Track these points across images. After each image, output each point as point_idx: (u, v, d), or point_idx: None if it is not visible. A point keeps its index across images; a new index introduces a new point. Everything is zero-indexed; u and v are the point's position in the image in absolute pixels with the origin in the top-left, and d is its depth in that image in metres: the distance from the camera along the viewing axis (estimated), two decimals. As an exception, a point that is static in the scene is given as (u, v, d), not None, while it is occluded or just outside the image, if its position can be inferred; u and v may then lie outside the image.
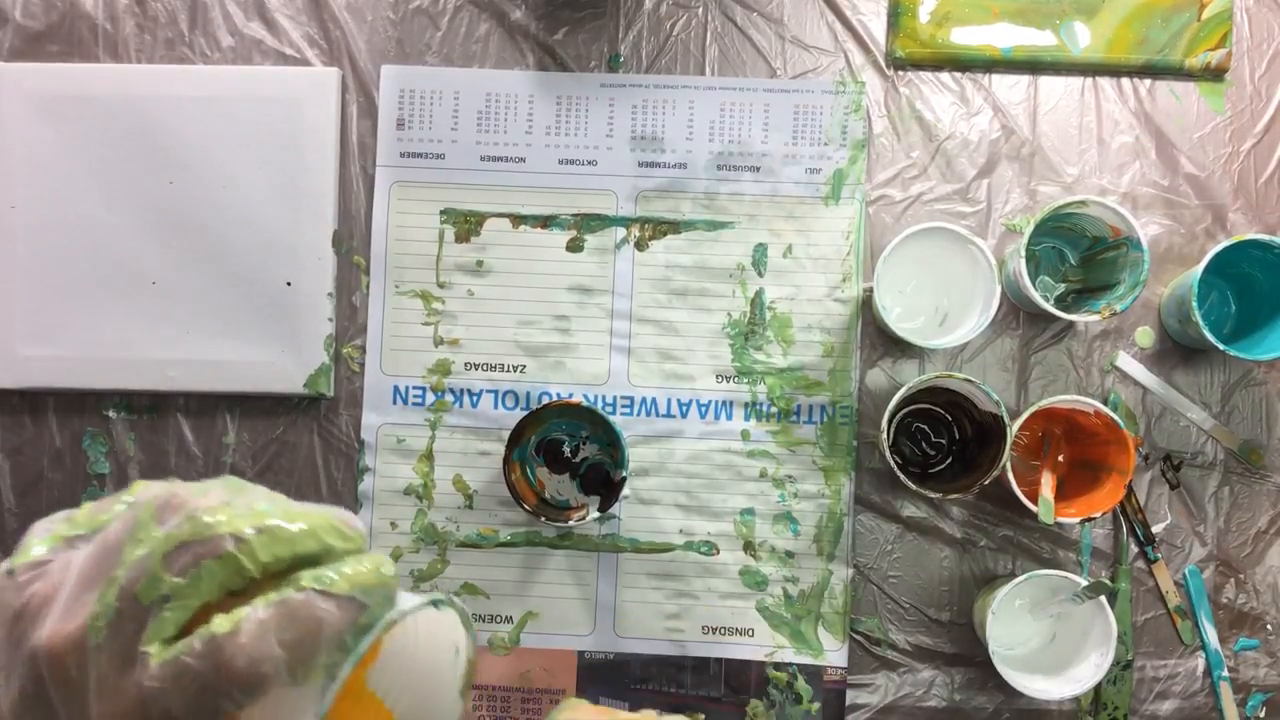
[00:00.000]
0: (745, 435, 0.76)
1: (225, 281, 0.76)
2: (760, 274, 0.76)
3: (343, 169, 0.77)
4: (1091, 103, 0.77)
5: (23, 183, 0.76)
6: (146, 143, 0.76)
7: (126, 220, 0.76)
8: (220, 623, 0.29)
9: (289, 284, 0.76)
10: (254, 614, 0.29)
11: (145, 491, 0.32)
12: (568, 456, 0.76)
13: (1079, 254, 0.75)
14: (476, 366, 0.77)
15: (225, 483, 0.33)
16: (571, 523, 0.72)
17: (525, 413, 0.72)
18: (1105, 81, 0.77)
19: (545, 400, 0.76)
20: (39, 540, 0.32)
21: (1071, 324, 0.75)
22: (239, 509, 0.31)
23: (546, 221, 0.77)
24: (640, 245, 0.77)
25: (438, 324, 0.77)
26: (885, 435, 0.70)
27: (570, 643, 0.75)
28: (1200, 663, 0.74)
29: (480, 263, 0.77)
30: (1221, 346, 0.67)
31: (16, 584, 0.31)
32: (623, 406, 0.76)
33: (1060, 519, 0.69)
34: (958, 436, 0.76)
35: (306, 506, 0.32)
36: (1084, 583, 0.67)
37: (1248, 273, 0.72)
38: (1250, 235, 0.68)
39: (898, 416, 0.75)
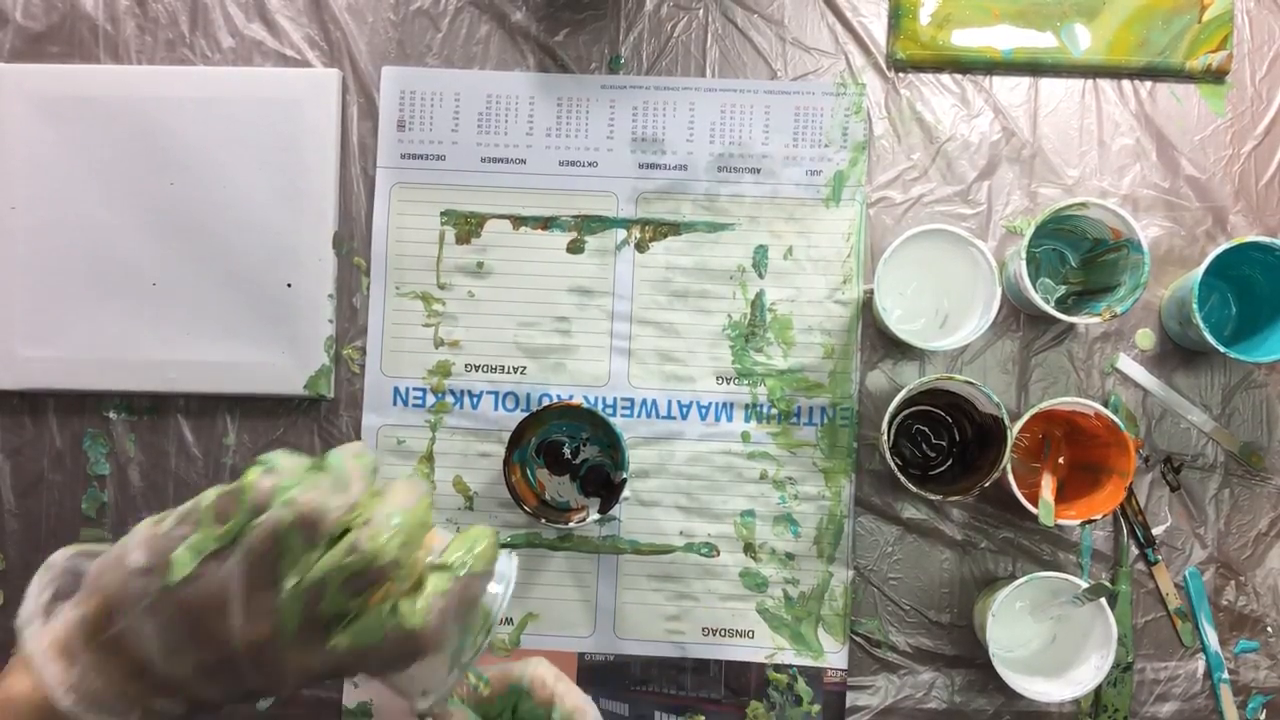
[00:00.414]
0: (745, 437, 0.76)
1: (225, 283, 0.76)
2: (761, 276, 0.76)
3: (343, 170, 0.77)
4: (1092, 105, 0.77)
5: (23, 183, 0.76)
6: (147, 144, 0.76)
7: (127, 221, 0.76)
8: (407, 609, 0.39)
9: (289, 285, 0.76)
10: (433, 601, 0.39)
11: (276, 503, 0.39)
12: (568, 458, 0.76)
13: (1079, 256, 0.75)
14: (477, 368, 0.77)
15: (334, 480, 0.40)
16: (572, 524, 0.72)
17: (525, 414, 0.72)
18: (1106, 83, 0.77)
19: (545, 402, 0.76)
20: (183, 556, 0.39)
21: (1072, 326, 0.75)
22: (378, 521, 0.39)
23: (547, 223, 0.77)
24: (641, 247, 0.77)
25: (438, 325, 0.77)
26: (885, 437, 0.70)
27: (570, 644, 0.75)
28: (1200, 665, 0.74)
29: (481, 264, 0.77)
30: (1222, 349, 0.67)
31: (184, 593, 0.38)
32: (623, 408, 0.76)
33: (1060, 521, 0.69)
34: (958, 438, 0.75)
35: (397, 490, 0.41)
36: (1084, 585, 0.67)
37: (1248, 275, 0.72)
38: (1251, 237, 0.68)
39: (898, 418, 0.75)
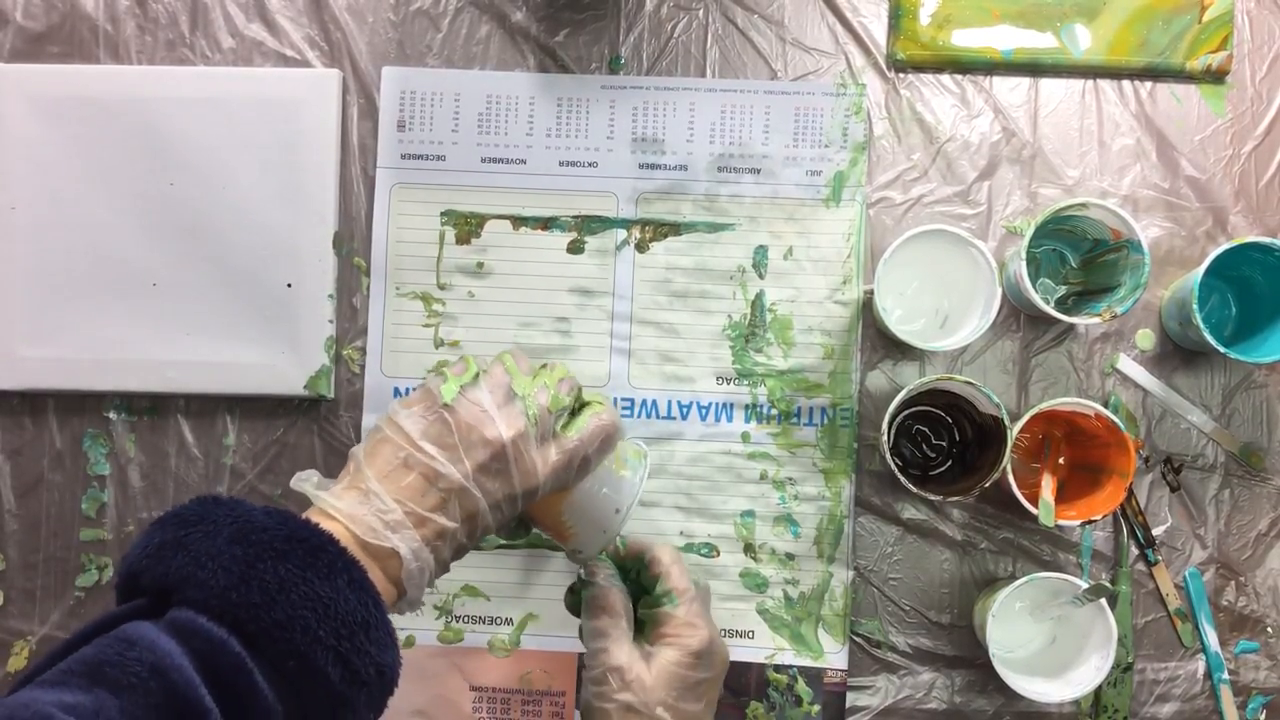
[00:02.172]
0: (745, 437, 0.76)
1: (226, 283, 0.76)
2: (761, 276, 0.76)
3: (343, 170, 0.77)
4: (1092, 105, 0.77)
5: (23, 183, 0.76)
6: (147, 144, 0.76)
7: (127, 221, 0.76)
8: (598, 410, 0.56)
9: (289, 285, 0.76)
10: (606, 409, 0.56)
11: (484, 360, 0.55)
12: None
13: (1080, 256, 0.75)
14: (477, 368, 0.77)
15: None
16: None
17: (525, 414, 0.72)
18: (1106, 84, 0.77)
19: (545, 402, 0.76)
20: (448, 387, 0.52)
21: (1072, 326, 0.75)
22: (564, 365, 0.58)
23: (547, 223, 0.77)
24: (641, 247, 0.77)
25: (438, 326, 0.77)
26: (885, 437, 0.70)
27: (571, 644, 0.75)
28: (1200, 665, 0.74)
29: (481, 264, 0.77)
30: (1222, 349, 0.67)
31: (457, 411, 0.51)
32: (623, 408, 0.76)
33: (1061, 521, 0.69)
34: (958, 439, 0.75)
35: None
36: (1084, 585, 0.67)
37: (1248, 275, 0.72)
38: (1251, 238, 0.68)
39: (898, 419, 0.75)
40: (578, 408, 0.56)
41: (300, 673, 0.42)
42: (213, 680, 0.40)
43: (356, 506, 0.49)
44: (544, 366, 0.56)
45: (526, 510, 0.55)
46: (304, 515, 0.48)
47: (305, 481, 0.50)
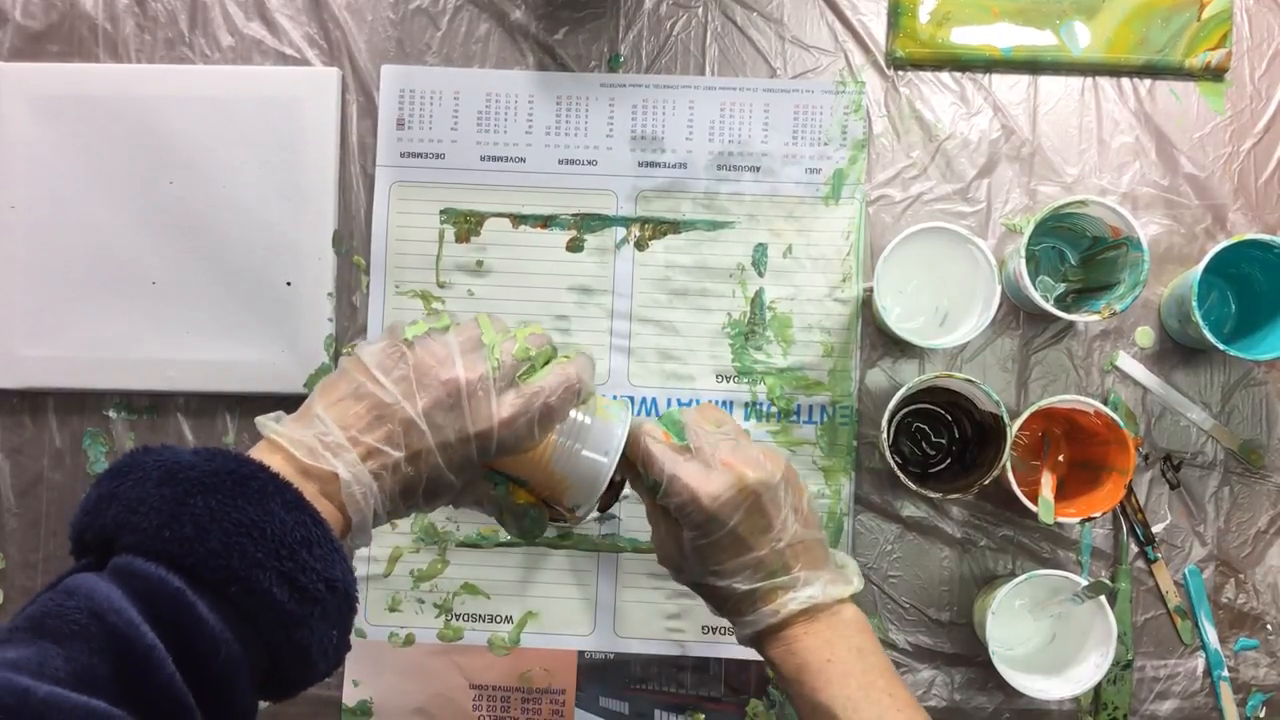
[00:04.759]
0: (745, 435, 0.76)
1: (225, 281, 0.76)
2: (760, 274, 0.76)
3: (343, 169, 0.77)
4: (1091, 103, 0.77)
5: (23, 183, 0.76)
6: (146, 143, 0.76)
7: (127, 220, 0.76)
8: (564, 361, 0.55)
9: (289, 284, 0.76)
10: (575, 360, 0.55)
11: (462, 318, 0.55)
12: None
13: (1079, 254, 0.75)
14: (476, 366, 0.76)
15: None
16: (571, 523, 0.72)
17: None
18: (1105, 81, 0.77)
19: (545, 400, 0.75)
20: (409, 329, 0.52)
21: (1071, 324, 0.75)
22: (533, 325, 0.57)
23: (546, 221, 0.77)
24: (640, 245, 0.77)
25: (438, 324, 0.77)
26: (885, 435, 0.70)
27: (570, 643, 0.75)
28: (1200, 663, 0.74)
29: (480, 263, 0.77)
30: (1221, 346, 0.67)
31: (418, 349, 0.51)
32: (623, 406, 0.76)
33: (1060, 519, 0.69)
34: (958, 436, 0.76)
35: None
36: (1084, 583, 0.67)
37: (1247, 273, 0.72)
38: (1250, 235, 0.68)
39: (898, 416, 0.75)
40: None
41: (245, 596, 0.42)
42: (154, 617, 0.41)
43: (300, 431, 0.49)
44: (521, 326, 0.56)
45: (518, 472, 0.55)
46: (253, 449, 0.49)
47: (267, 417, 0.51)
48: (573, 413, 0.55)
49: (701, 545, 0.56)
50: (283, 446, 0.48)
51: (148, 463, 0.45)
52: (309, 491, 0.47)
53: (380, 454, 0.49)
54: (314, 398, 0.51)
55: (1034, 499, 0.69)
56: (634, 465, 0.59)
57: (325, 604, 0.45)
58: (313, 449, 0.48)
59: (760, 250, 0.76)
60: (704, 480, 0.56)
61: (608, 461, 0.56)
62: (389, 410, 0.50)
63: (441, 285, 0.77)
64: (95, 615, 0.40)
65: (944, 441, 0.76)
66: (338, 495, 0.48)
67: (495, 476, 0.55)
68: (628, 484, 0.61)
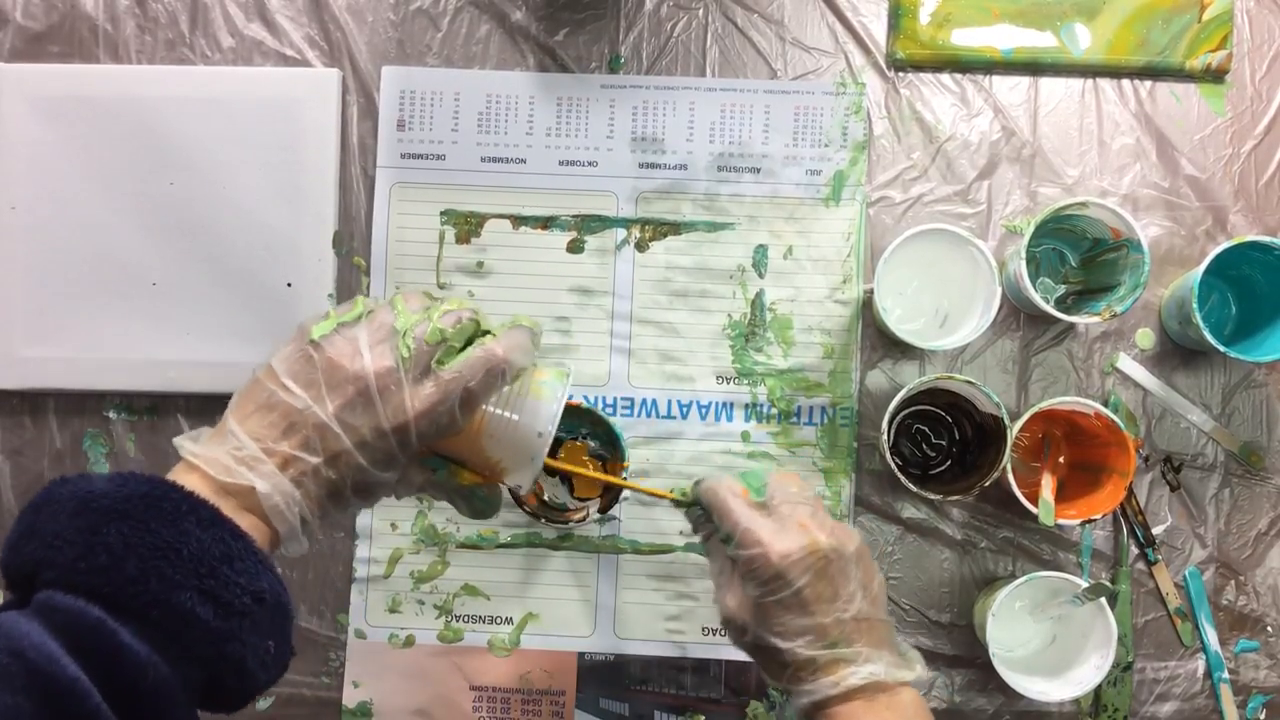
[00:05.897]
0: (745, 437, 0.76)
1: (226, 282, 0.76)
2: (761, 275, 0.76)
3: (343, 170, 0.77)
4: (1092, 104, 0.77)
5: (23, 183, 0.76)
6: (147, 143, 0.76)
7: (127, 221, 0.76)
8: (489, 339, 0.52)
9: (289, 285, 0.76)
10: (503, 336, 0.52)
11: (375, 302, 0.53)
12: (568, 457, 0.76)
13: (1079, 256, 0.75)
14: (477, 368, 0.76)
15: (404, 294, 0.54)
16: (572, 524, 0.72)
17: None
18: (1106, 83, 0.77)
19: (545, 401, 0.75)
20: (323, 325, 0.51)
21: (1072, 326, 0.75)
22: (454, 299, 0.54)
23: (547, 223, 0.77)
24: (640, 246, 0.77)
25: (438, 325, 0.77)
26: (885, 437, 0.70)
27: (571, 644, 0.75)
28: (1200, 665, 0.74)
29: (480, 264, 0.77)
30: (1222, 348, 0.67)
31: (324, 349, 0.50)
32: (623, 408, 0.76)
33: (1060, 521, 0.69)
34: (958, 438, 0.76)
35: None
36: (1084, 584, 0.67)
37: (1248, 274, 0.72)
38: (1251, 237, 0.68)
39: (898, 418, 0.75)
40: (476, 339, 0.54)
41: (168, 618, 0.43)
42: (77, 649, 0.41)
43: (213, 449, 0.49)
44: (441, 301, 0.54)
45: (456, 453, 0.54)
46: (172, 470, 0.49)
47: (184, 436, 0.50)
48: (505, 388, 0.53)
49: (766, 603, 0.54)
50: (198, 466, 0.48)
51: (63, 494, 0.45)
52: (229, 507, 0.47)
53: (298, 461, 0.49)
54: (229, 412, 0.51)
55: (1034, 501, 0.69)
56: (709, 517, 0.58)
57: (254, 616, 0.45)
58: (227, 466, 0.48)
59: (761, 252, 0.76)
60: (777, 536, 0.54)
61: (541, 443, 0.54)
62: (301, 416, 0.49)
63: (442, 286, 0.77)
64: (15, 654, 0.40)
65: (944, 443, 0.76)
66: (260, 508, 0.48)
67: (434, 461, 0.55)
68: (701, 536, 0.60)
